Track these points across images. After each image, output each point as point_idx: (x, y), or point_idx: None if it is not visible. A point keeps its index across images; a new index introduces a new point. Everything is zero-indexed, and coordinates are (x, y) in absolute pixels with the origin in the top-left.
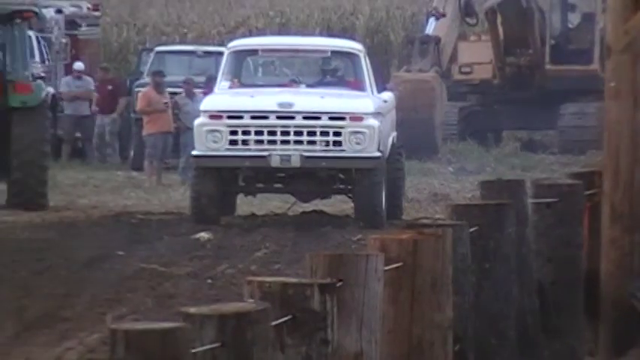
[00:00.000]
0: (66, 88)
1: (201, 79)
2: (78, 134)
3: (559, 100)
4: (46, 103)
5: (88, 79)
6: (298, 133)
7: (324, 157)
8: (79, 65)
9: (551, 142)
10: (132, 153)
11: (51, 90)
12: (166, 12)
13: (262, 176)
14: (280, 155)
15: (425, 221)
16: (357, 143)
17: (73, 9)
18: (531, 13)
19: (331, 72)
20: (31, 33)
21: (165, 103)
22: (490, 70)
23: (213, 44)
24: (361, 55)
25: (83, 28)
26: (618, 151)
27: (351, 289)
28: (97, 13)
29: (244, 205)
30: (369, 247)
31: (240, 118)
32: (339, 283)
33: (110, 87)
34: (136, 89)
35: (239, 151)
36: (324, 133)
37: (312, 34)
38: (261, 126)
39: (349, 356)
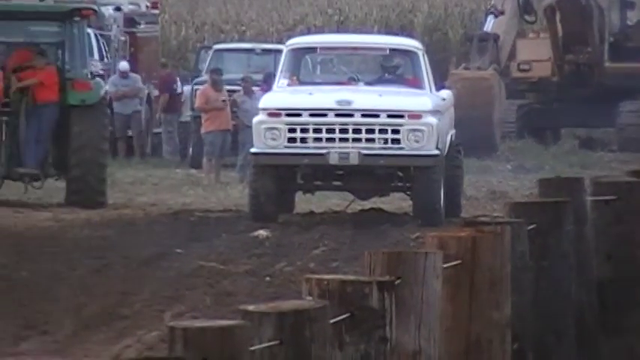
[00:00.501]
0: (113, 88)
1: (260, 76)
2: (129, 132)
3: (618, 97)
4: (104, 100)
5: (135, 76)
6: (357, 131)
7: (383, 155)
8: (123, 65)
9: (610, 140)
10: (190, 151)
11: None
12: (225, 10)
13: (321, 174)
14: (339, 153)
15: (483, 219)
16: (416, 141)
17: (131, 7)
18: (590, 11)
19: (390, 70)
20: (89, 31)
21: (224, 100)
22: (549, 67)
23: (272, 42)
24: (420, 52)
25: (142, 26)
26: None
27: (409, 287)
28: (155, 11)
29: (303, 202)
30: (427, 245)
31: (299, 115)
32: (398, 281)
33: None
34: (195, 87)
35: (297, 148)
36: (382, 131)
37: (370, 31)
38: (319, 124)
39: (407, 354)
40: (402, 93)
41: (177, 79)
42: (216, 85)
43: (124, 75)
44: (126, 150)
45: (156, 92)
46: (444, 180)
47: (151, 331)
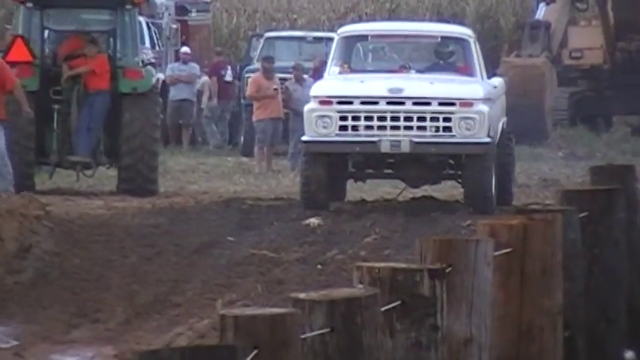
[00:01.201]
0: (170, 72)
1: (311, 64)
2: (180, 120)
3: None
4: (156, 89)
5: (194, 65)
6: (408, 119)
7: (434, 143)
8: (185, 49)
9: None
10: (242, 139)
11: (161, 76)
12: None
13: (372, 162)
14: (390, 141)
15: (535, 207)
16: (467, 129)
17: None
18: None
19: (441, 57)
20: (141, 19)
21: (275, 89)
22: (601, 55)
23: (323, 30)
24: (471, 40)
25: (193, 14)
26: None
27: (460, 275)
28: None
29: (354, 190)
30: (478, 233)
31: (350, 103)
32: (449, 269)
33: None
34: (246, 75)
35: (349, 136)
36: (433, 119)
37: (421, 19)
38: (371, 111)
39: (459, 342)
40: (454, 81)
41: (229, 66)
42: (267, 73)
43: (185, 59)
44: (177, 138)
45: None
46: (496, 168)
47: (203, 319)
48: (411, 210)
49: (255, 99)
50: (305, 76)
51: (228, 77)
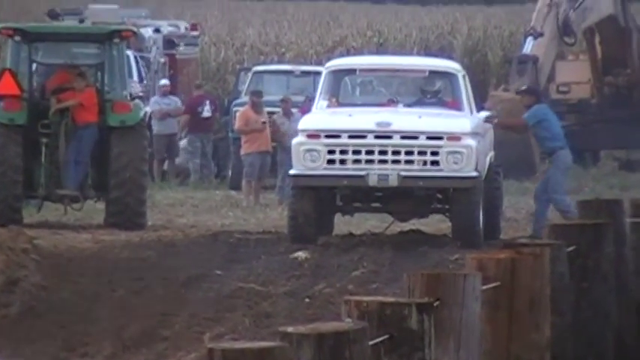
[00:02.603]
0: (156, 107)
1: (299, 98)
2: (166, 154)
3: None
4: (144, 122)
5: (175, 98)
6: (396, 153)
7: (422, 177)
8: (164, 82)
9: None
10: (230, 172)
11: (148, 109)
12: (264, 31)
13: (360, 195)
14: (378, 174)
15: (523, 241)
16: (455, 163)
17: (171, 28)
18: (630, 33)
19: (429, 92)
20: (129, 52)
21: (263, 122)
22: (588, 89)
23: (311, 64)
24: (459, 74)
25: (181, 48)
26: None
27: (448, 309)
28: (195, 33)
29: (342, 224)
30: (466, 267)
31: (338, 137)
32: (437, 303)
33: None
34: (235, 109)
35: (337, 170)
36: (421, 153)
37: (409, 53)
38: (359, 145)
39: None
40: (442, 115)
41: (208, 101)
42: (256, 106)
43: (165, 91)
44: (162, 172)
45: None
46: (484, 202)
47: (191, 352)
48: (399, 244)
49: (243, 133)
50: (293, 109)
51: (206, 113)
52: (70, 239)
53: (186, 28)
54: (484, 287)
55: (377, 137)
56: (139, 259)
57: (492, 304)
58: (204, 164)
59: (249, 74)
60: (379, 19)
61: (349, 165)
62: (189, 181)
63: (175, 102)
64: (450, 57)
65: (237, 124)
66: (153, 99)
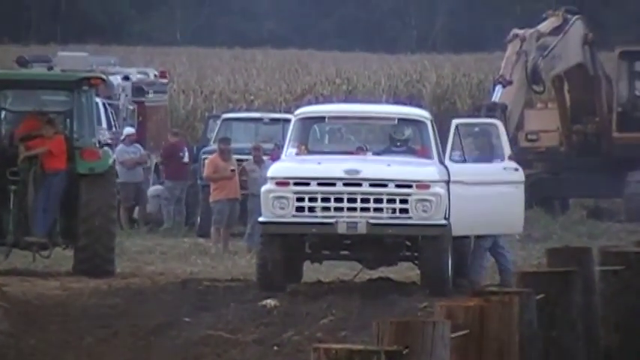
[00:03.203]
0: (124, 156)
1: (268, 145)
2: (133, 202)
3: (626, 167)
4: (113, 169)
5: (138, 145)
6: (365, 200)
7: (391, 225)
8: (128, 130)
9: (618, 210)
10: (199, 219)
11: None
12: (233, 79)
13: (329, 243)
14: (347, 222)
15: (491, 288)
16: (424, 211)
17: (140, 76)
18: (598, 81)
19: (398, 139)
20: (98, 100)
21: (232, 169)
22: (557, 137)
23: (280, 111)
24: (428, 122)
25: (150, 95)
26: None
27: (417, 357)
28: (164, 80)
29: (310, 271)
30: (435, 314)
31: (307, 184)
32: (406, 351)
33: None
34: (203, 156)
35: (306, 217)
36: (390, 201)
37: (378, 101)
38: (328, 193)
39: None
40: (411, 163)
41: (185, 148)
42: (224, 154)
43: (131, 139)
44: (129, 219)
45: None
46: (452, 250)
47: None
48: (368, 291)
49: (212, 180)
50: (264, 157)
51: (186, 159)
52: (38, 286)
53: (155, 76)
54: (453, 335)
55: (346, 185)
56: (107, 306)
57: (461, 351)
58: (178, 211)
59: (218, 122)
60: (348, 67)
61: (318, 212)
62: (162, 228)
63: (140, 150)
64: (418, 105)
65: (205, 172)
66: (119, 147)
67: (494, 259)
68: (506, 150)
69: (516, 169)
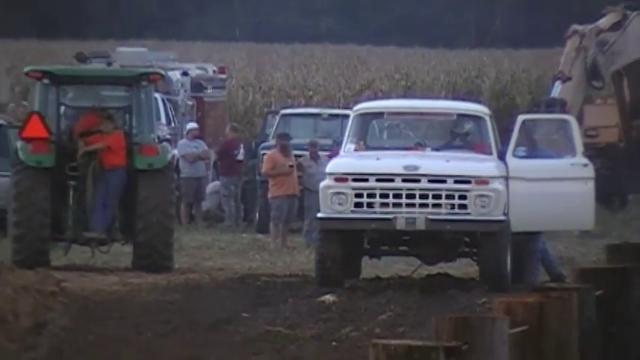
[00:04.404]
0: (186, 150)
1: (327, 141)
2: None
3: None
4: (171, 165)
5: (201, 141)
6: (424, 196)
7: (450, 220)
8: (191, 125)
9: None
10: (257, 215)
11: (176, 152)
12: (292, 75)
13: (387, 239)
14: (406, 218)
15: (551, 285)
16: (483, 207)
17: (199, 71)
18: None
19: (457, 135)
20: (157, 95)
21: (291, 165)
22: (616, 133)
23: (339, 107)
24: (487, 118)
25: (209, 91)
26: None
27: (476, 353)
28: (223, 76)
29: (369, 267)
30: (494, 310)
31: (366, 180)
32: (465, 346)
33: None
34: (262, 152)
35: (364, 213)
36: (449, 196)
37: (437, 96)
38: (386, 189)
39: None
40: (469, 158)
41: (241, 145)
42: (284, 150)
43: (194, 134)
44: (189, 215)
45: None
46: (511, 245)
47: None
48: (427, 287)
49: (270, 176)
50: (322, 153)
51: (241, 156)
52: (97, 282)
53: (214, 71)
54: (512, 331)
55: (405, 180)
56: (165, 302)
57: (520, 347)
58: (235, 207)
59: (277, 117)
60: (407, 63)
61: (377, 208)
62: (224, 225)
63: (202, 145)
64: (477, 100)
65: (264, 167)
66: (182, 142)
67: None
68: (579, 146)
69: (586, 165)
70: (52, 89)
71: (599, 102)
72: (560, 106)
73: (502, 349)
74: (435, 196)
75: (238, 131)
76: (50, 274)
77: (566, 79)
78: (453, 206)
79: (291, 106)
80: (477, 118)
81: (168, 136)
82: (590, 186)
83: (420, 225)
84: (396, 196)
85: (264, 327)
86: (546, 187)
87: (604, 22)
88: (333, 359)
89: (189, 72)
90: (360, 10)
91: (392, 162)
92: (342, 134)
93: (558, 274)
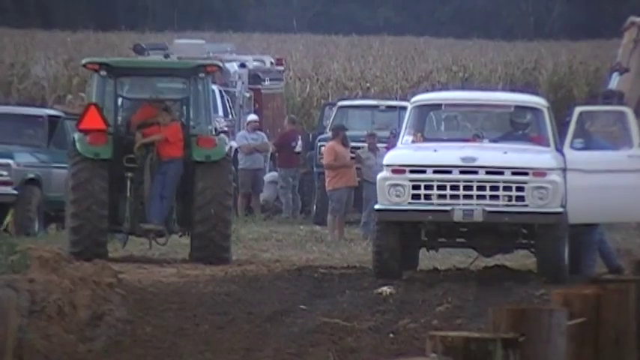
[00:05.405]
0: (243, 142)
1: (384, 133)
2: (251, 189)
3: None
4: (229, 157)
5: (262, 133)
6: (481, 188)
7: (507, 212)
8: (251, 117)
9: None
10: (315, 207)
11: (233, 144)
12: (349, 66)
13: (445, 230)
14: (463, 210)
15: (608, 276)
16: (540, 198)
17: (256, 63)
18: None
19: (514, 127)
20: (214, 87)
21: (352, 157)
22: None
23: (396, 99)
24: (545, 109)
25: (266, 83)
26: None
27: (534, 344)
28: (280, 68)
29: (426, 259)
30: (552, 302)
31: (423, 172)
32: (522, 338)
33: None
34: (319, 143)
35: (422, 205)
36: (506, 188)
37: (494, 88)
38: (444, 180)
39: None
40: (527, 150)
41: (299, 136)
42: (344, 141)
43: (254, 126)
44: (246, 206)
45: None
46: (569, 237)
47: None
48: (484, 279)
49: (332, 168)
50: (379, 144)
51: (299, 148)
52: (154, 274)
53: (271, 63)
54: (569, 323)
55: (462, 172)
56: (223, 293)
57: (578, 339)
58: (293, 198)
59: (334, 109)
60: (464, 55)
61: (434, 200)
62: (281, 216)
63: (262, 137)
64: (535, 92)
65: (326, 159)
66: (240, 134)
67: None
68: (636, 138)
69: None
70: (110, 81)
71: None
72: (617, 98)
73: (560, 340)
74: (492, 188)
75: (296, 123)
76: (108, 265)
77: (623, 71)
78: (510, 198)
79: (348, 98)
80: (534, 110)
81: (225, 128)
82: None
83: (478, 217)
84: (453, 187)
85: (322, 319)
86: (603, 179)
87: None
88: (391, 351)
89: (247, 64)
90: (418, 2)
91: (449, 154)
92: (400, 126)
93: (617, 266)
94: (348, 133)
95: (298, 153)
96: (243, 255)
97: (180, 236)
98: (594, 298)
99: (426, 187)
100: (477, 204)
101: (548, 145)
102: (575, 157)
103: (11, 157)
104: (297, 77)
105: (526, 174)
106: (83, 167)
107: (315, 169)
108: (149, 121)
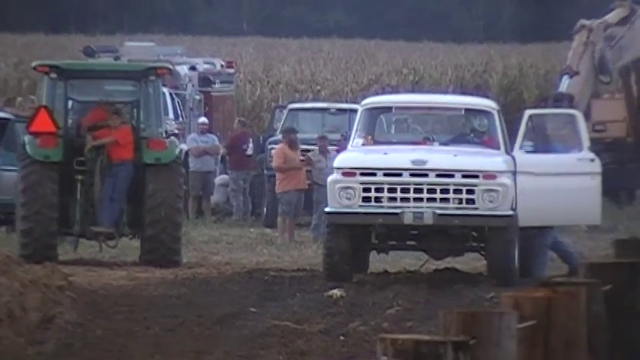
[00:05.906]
0: (194, 144)
1: (335, 136)
2: (201, 192)
3: None
4: (179, 159)
5: (212, 136)
6: (431, 191)
7: (457, 215)
8: (202, 120)
9: None
10: (265, 210)
11: (184, 147)
12: (300, 69)
13: (395, 233)
14: (413, 212)
15: (558, 279)
16: (490, 201)
17: (206, 66)
18: None
19: (465, 130)
20: (165, 90)
21: (302, 160)
22: (624, 128)
23: (347, 101)
24: (495, 112)
25: (217, 85)
26: None
27: (484, 347)
28: (231, 70)
29: (377, 262)
30: (502, 305)
31: (374, 175)
32: (473, 341)
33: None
34: (270, 146)
35: (372, 208)
36: (457, 191)
37: (445, 91)
38: (394, 183)
39: None
40: (477, 153)
41: (250, 139)
42: (293, 144)
43: (203, 130)
44: (197, 209)
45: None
46: (518, 240)
47: None
48: (434, 282)
49: (281, 170)
50: (330, 147)
51: (249, 151)
52: (105, 276)
53: (222, 66)
54: (520, 326)
55: (412, 175)
56: (173, 296)
57: (528, 342)
58: (243, 201)
59: (285, 112)
60: (415, 57)
61: (384, 203)
62: (232, 219)
63: (213, 140)
64: (485, 95)
65: (275, 162)
66: (191, 136)
67: (554, 252)
68: (585, 140)
69: (592, 160)
70: (60, 84)
71: (607, 97)
72: (567, 100)
73: (510, 343)
74: (442, 191)
75: (246, 126)
76: (58, 268)
77: (573, 74)
78: (460, 201)
79: (298, 101)
80: (485, 113)
81: (176, 131)
82: (597, 181)
83: (428, 219)
84: (403, 190)
85: (272, 321)
86: (553, 182)
87: (612, 16)
88: (341, 354)
89: (197, 66)
90: (368, 5)
91: (400, 156)
92: (350, 129)
93: (576, 266)
94: (298, 135)
95: (249, 156)
96: (194, 258)
97: (131, 239)
98: (545, 301)
99: (377, 190)
100: (428, 207)
101: (498, 148)
102: (525, 159)
103: None
104: (247, 80)
105: (476, 177)
106: (33, 170)
107: (265, 171)
108: (100, 124)
